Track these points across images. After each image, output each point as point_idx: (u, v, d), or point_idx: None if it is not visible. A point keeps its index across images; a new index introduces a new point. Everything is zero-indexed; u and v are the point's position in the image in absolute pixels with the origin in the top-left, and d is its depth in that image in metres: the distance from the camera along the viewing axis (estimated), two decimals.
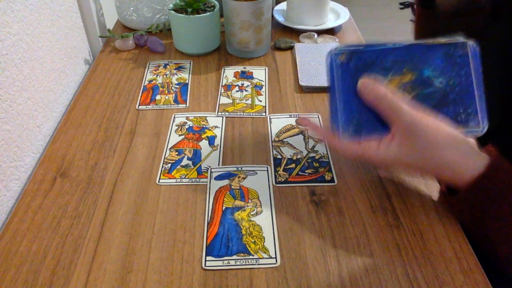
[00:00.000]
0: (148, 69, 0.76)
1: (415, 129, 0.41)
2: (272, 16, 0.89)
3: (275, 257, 0.44)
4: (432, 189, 0.51)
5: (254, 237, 0.46)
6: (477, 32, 0.44)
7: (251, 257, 0.44)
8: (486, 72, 0.44)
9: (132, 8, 0.85)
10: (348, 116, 0.45)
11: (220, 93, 0.70)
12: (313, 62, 0.76)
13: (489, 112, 0.44)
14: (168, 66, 0.77)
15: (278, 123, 0.63)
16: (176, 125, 0.63)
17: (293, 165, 0.55)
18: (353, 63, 0.44)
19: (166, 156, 0.57)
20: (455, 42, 0.44)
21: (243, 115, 0.65)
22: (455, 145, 0.41)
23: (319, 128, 0.48)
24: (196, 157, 0.57)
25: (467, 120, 0.44)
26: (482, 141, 0.45)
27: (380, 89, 0.43)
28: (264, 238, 0.46)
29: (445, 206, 0.48)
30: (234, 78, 0.74)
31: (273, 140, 0.60)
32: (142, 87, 0.71)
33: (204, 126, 0.63)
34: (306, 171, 0.54)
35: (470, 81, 0.44)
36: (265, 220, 0.48)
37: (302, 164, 0.55)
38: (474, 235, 0.45)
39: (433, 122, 0.41)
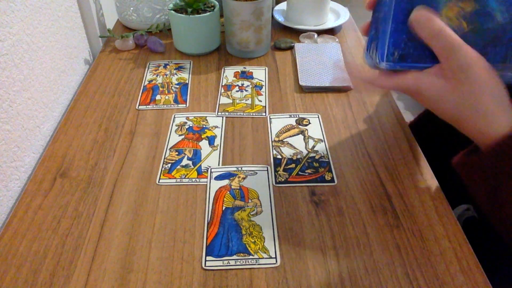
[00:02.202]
0: (148, 69, 0.76)
1: (468, 72, 0.39)
2: (272, 16, 0.89)
3: (275, 257, 0.44)
4: (432, 188, 0.51)
5: (254, 237, 0.46)
6: None
7: (251, 257, 0.44)
8: None
9: (132, 8, 0.85)
10: (396, 41, 0.41)
11: (220, 93, 0.70)
12: (313, 62, 0.76)
13: None
14: (168, 66, 0.77)
15: (278, 123, 0.63)
16: (176, 125, 0.63)
17: (293, 165, 0.55)
18: None
19: (166, 156, 0.57)
20: None
21: (243, 115, 0.65)
22: (498, 96, 0.39)
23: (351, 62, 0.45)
24: (196, 157, 0.57)
25: None
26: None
27: (435, 24, 0.39)
28: (264, 238, 0.46)
29: (461, 169, 0.45)
30: (234, 78, 0.74)
31: (273, 140, 0.60)
32: (142, 87, 0.71)
33: (204, 126, 0.63)
34: (306, 171, 0.54)
35: None
36: (265, 220, 0.48)
37: (302, 164, 0.55)
38: (483, 203, 0.43)
39: (484, 68, 0.39)
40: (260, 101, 0.68)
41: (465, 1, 0.40)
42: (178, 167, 0.55)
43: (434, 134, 0.65)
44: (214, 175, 0.54)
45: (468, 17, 0.40)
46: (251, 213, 0.49)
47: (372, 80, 0.44)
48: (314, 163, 0.55)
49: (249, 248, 0.45)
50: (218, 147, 0.58)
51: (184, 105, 0.67)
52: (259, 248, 0.45)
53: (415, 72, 0.42)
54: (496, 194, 0.41)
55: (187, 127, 0.62)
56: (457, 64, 0.39)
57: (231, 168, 0.55)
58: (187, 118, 0.64)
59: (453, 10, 0.40)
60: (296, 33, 0.88)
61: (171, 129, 0.62)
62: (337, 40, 0.86)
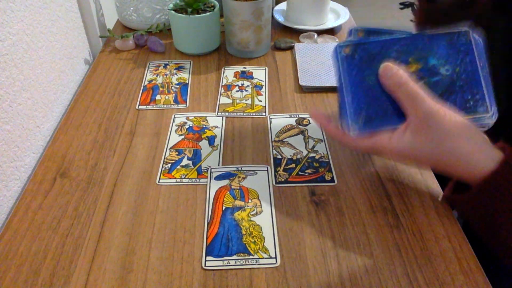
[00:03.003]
0: (148, 69, 0.76)
1: (433, 119, 0.40)
2: (272, 16, 0.89)
3: (275, 257, 0.44)
4: (432, 188, 0.51)
5: (254, 237, 0.46)
6: (480, 24, 0.44)
7: (251, 257, 0.44)
8: (492, 64, 0.44)
9: (132, 8, 0.85)
10: (357, 109, 0.44)
11: (220, 93, 0.70)
12: (313, 62, 0.76)
13: (497, 104, 0.44)
14: (168, 66, 0.77)
15: (278, 123, 0.63)
16: (176, 125, 0.63)
17: (293, 165, 0.55)
18: (358, 55, 0.44)
19: (166, 156, 0.57)
20: (457, 31, 0.44)
21: (243, 115, 0.65)
22: (470, 136, 0.40)
23: (329, 126, 0.47)
24: (196, 157, 0.57)
25: (476, 106, 0.43)
26: (492, 136, 0.44)
27: (402, 75, 0.42)
28: (264, 238, 0.46)
29: (453, 205, 0.48)
30: (234, 78, 0.74)
31: (273, 140, 0.60)
32: (142, 87, 0.71)
33: (204, 126, 0.63)
34: (306, 171, 0.54)
35: (475, 68, 0.43)
36: (265, 220, 0.48)
37: (302, 164, 0.55)
38: (483, 233, 0.44)
39: (449, 113, 0.41)
40: (260, 101, 0.68)
41: (409, 65, 0.44)
42: (178, 167, 0.55)
43: None
44: (214, 175, 0.54)
45: (415, 75, 0.44)
46: (251, 213, 0.49)
47: (347, 143, 0.47)
48: (314, 163, 0.55)
49: (249, 248, 0.45)
50: (218, 147, 0.58)
51: (184, 105, 0.67)
52: (259, 248, 0.45)
53: (385, 133, 0.44)
54: (492, 225, 0.42)
55: (187, 127, 0.62)
56: (423, 112, 0.41)
57: (231, 168, 0.55)
58: (187, 118, 0.64)
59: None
60: (296, 33, 0.88)
61: (171, 129, 0.62)
62: (337, 40, 0.86)
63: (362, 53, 0.44)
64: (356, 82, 0.45)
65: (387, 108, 0.44)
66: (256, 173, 0.54)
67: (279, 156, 0.57)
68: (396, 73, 0.42)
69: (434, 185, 0.52)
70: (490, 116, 0.43)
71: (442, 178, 0.53)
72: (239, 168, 0.55)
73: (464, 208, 0.46)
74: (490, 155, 0.40)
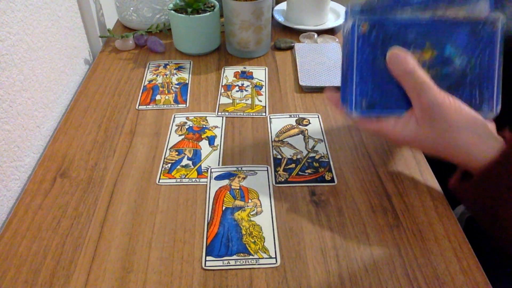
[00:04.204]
0: (148, 69, 0.76)
1: (438, 110, 0.40)
2: (272, 16, 0.89)
3: (275, 257, 0.44)
4: (432, 188, 0.51)
5: (254, 237, 0.46)
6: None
7: (251, 257, 0.44)
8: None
9: (132, 8, 0.85)
10: (362, 91, 0.43)
11: (220, 93, 0.70)
12: (313, 62, 0.76)
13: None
14: (168, 66, 0.77)
15: (278, 123, 0.63)
16: (176, 125, 0.63)
17: (293, 165, 0.55)
18: (374, 35, 0.42)
19: (166, 156, 0.57)
20: (485, 19, 0.41)
21: (243, 115, 0.65)
22: (474, 127, 0.40)
23: (338, 103, 0.46)
24: (196, 157, 0.57)
25: (482, 104, 0.42)
26: (498, 125, 0.44)
27: (410, 62, 0.41)
28: (264, 238, 0.46)
29: (458, 194, 0.47)
30: (234, 78, 0.74)
31: (273, 140, 0.60)
32: (142, 87, 0.71)
33: (204, 126, 0.63)
34: (306, 171, 0.54)
35: (492, 63, 0.41)
36: (265, 220, 0.48)
37: (302, 164, 0.55)
38: (485, 223, 0.44)
39: (455, 104, 0.40)
40: (260, 101, 0.68)
41: (424, 51, 0.42)
42: (178, 167, 0.55)
43: None
44: (214, 175, 0.54)
45: (428, 63, 0.42)
46: (251, 213, 0.49)
47: (355, 122, 0.47)
48: (314, 163, 0.55)
49: (249, 248, 0.45)
50: (218, 147, 0.58)
51: (184, 105, 0.67)
52: (259, 248, 0.45)
53: (391, 119, 0.44)
54: (494, 216, 0.42)
55: (187, 127, 0.62)
56: (428, 102, 0.40)
57: (231, 168, 0.55)
58: (187, 118, 0.64)
59: (415, 57, 0.42)
60: (296, 33, 0.88)
61: (171, 129, 0.62)
62: (337, 40, 0.86)
63: (379, 34, 0.42)
64: (366, 63, 0.42)
65: (393, 94, 0.43)
66: (256, 173, 0.54)
67: (279, 156, 0.57)
68: (404, 60, 0.41)
69: (434, 185, 0.52)
70: (493, 116, 0.43)
71: (442, 178, 0.53)
72: (239, 168, 0.55)
73: (466, 197, 0.46)
74: (492, 145, 0.40)
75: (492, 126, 0.43)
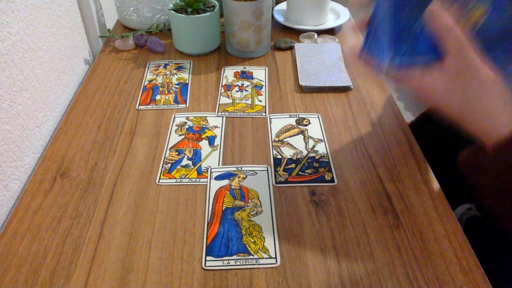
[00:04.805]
0: (148, 69, 0.76)
1: (473, 70, 0.39)
2: (272, 16, 0.89)
3: (275, 257, 0.44)
4: (432, 189, 0.51)
5: (254, 237, 0.46)
6: None
7: (251, 257, 0.44)
8: None
9: (132, 8, 0.85)
10: (398, 38, 0.41)
11: (220, 93, 0.70)
12: (313, 62, 0.76)
13: None
14: (168, 66, 0.77)
15: (278, 123, 0.63)
16: (176, 125, 0.63)
17: (293, 165, 0.55)
18: None
19: (166, 156, 0.57)
20: None
21: (243, 115, 0.65)
22: (505, 98, 0.40)
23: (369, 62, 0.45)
24: (196, 157, 0.57)
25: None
26: None
27: (448, 20, 0.40)
28: (264, 238, 0.46)
29: (466, 170, 0.46)
30: (234, 78, 0.74)
31: (273, 140, 0.60)
32: (142, 87, 0.71)
33: (204, 126, 0.63)
34: (306, 171, 0.54)
35: None
36: (265, 220, 0.48)
37: (302, 164, 0.55)
38: (491, 203, 0.43)
39: (490, 70, 0.39)
40: (260, 101, 0.68)
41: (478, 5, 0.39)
42: (178, 167, 0.55)
43: (434, 134, 0.65)
44: (214, 175, 0.54)
45: (476, 22, 0.39)
46: (251, 213, 0.49)
47: (387, 75, 0.44)
48: (314, 163, 0.55)
49: (249, 248, 0.45)
50: (218, 147, 0.58)
51: (184, 105, 0.67)
52: (259, 248, 0.45)
53: (420, 71, 0.42)
54: (502, 192, 0.41)
55: (187, 127, 0.62)
56: (465, 62, 0.39)
57: (231, 168, 0.55)
58: (187, 118, 0.64)
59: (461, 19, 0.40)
60: (296, 33, 0.88)
61: (171, 129, 0.62)
62: (337, 40, 0.86)
63: None
64: (403, 13, 0.41)
65: (426, 47, 0.41)
66: (256, 173, 0.54)
67: (279, 156, 0.57)
68: (442, 17, 0.40)
69: (434, 185, 0.52)
70: None
71: (442, 178, 0.53)
72: (239, 168, 0.55)
73: (476, 171, 0.44)
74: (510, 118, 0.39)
75: None
